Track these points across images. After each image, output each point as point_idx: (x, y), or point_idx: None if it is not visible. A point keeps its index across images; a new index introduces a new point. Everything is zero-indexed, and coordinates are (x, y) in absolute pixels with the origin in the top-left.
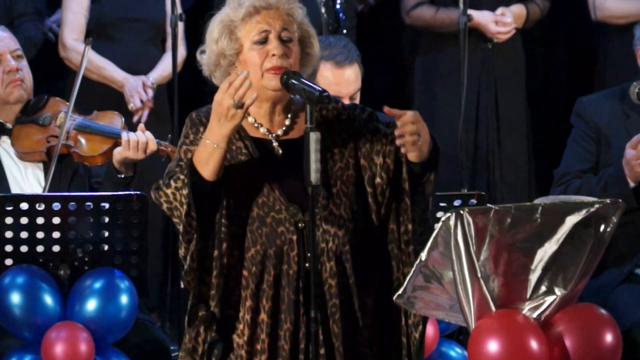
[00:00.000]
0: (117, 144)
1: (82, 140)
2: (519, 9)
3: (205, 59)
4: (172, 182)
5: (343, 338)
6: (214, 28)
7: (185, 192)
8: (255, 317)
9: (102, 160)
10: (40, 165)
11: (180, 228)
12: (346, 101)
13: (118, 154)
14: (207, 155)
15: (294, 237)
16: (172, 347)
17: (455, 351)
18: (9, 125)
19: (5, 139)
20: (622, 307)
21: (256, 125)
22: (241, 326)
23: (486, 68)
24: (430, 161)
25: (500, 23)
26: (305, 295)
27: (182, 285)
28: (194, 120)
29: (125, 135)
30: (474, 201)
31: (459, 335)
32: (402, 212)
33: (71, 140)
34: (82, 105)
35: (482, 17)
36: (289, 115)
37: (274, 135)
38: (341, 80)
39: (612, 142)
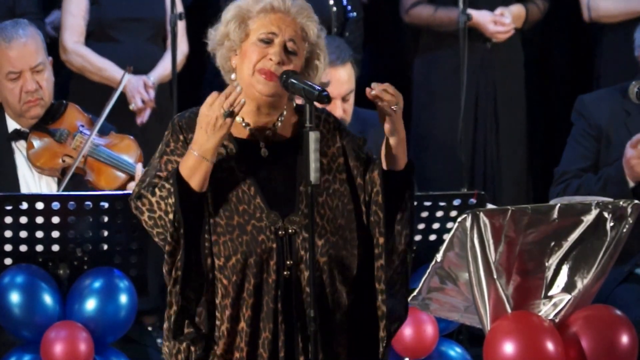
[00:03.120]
0: (131, 178)
1: (98, 171)
2: (518, 9)
3: (213, 34)
4: (156, 190)
5: (322, 346)
6: (231, 10)
7: (171, 200)
8: (234, 325)
9: None
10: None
11: (161, 241)
12: (338, 102)
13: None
14: (194, 167)
15: (274, 246)
16: None
17: (454, 350)
18: (26, 130)
19: (23, 143)
20: (622, 307)
21: (243, 124)
22: (217, 335)
23: (485, 67)
24: (406, 175)
25: (499, 23)
26: (283, 304)
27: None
28: (175, 127)
29: (139, 174)
30: (473, 200)
31: (458, 334)
32: (375, 225)
33: (88, 168)
34: (89, 107)
35: (481, 17)
36: (279, 119)
37: (261, 135)
38: (333, 79)
39: (612, 141)
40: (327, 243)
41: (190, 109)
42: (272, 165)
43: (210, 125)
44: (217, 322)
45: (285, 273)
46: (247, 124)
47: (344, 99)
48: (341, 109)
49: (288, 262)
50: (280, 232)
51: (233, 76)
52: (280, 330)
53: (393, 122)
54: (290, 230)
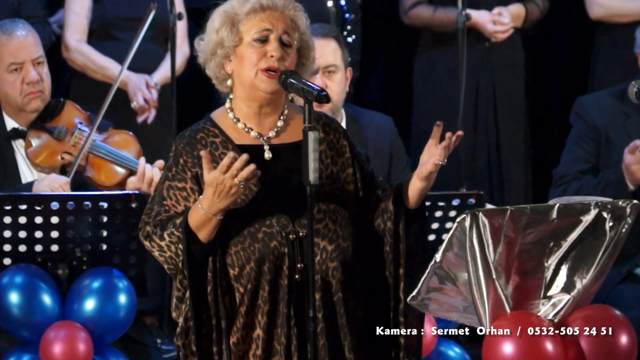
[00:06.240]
0: (131, 173)
1: (97, 167)
2: (517, 9)
3: (203, 45)
4: (165, 236)
5: (329, 350)
6: (217, 17)
7: (180, 246)
8: (250, 333)
9: (115, 189)
10: None
11: (172, 274)
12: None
13: (132, 184)
14: (202, 223)
15: (286, 250)
16: (170, 347)
17: (453, 351)
18: (24, 128)
19: (21, 142)
20: (622, 307)
21: (246, 129)
22: (232, 343)
23: (484, 67)
24: (420, 212)
25: (497, 23)
26: (295, 308)
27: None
28: (176, 151)
29: (141, 169)
30: (472, 200)
31: (457, 335)
32: (388, 255)
33: (87, 164)
34: (91, 105)
35: (479, 17)
36: (281, 118)
37: (264, 138)
38: None
39: (611, 142)
40: (338, 248)
41: (190, 127)
42: (277, 168)
43: (224, 192)
44: (232, 330)
45: (296, 277)
46: (250, 129)
47: (324, 73)
48: (321, 82)
49: (299, 266)
50: (291, 236)
51: (229, 82)
52: (292, 334)
53: (432, 175)
54: (300, 234)
